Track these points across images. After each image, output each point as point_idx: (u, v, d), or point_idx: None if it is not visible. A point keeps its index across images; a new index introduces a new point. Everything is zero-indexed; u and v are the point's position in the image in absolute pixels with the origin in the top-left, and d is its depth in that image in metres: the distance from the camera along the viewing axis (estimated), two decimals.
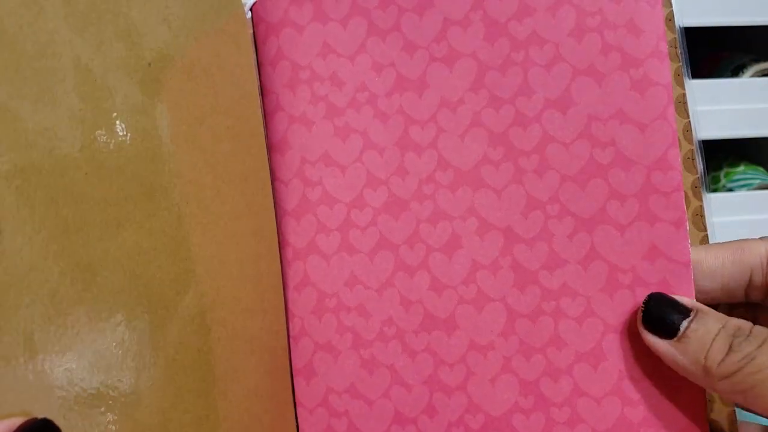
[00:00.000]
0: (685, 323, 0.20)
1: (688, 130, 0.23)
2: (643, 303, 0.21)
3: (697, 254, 0.22)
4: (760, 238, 0.22)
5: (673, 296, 0.21)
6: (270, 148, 0.25)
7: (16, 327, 0.17)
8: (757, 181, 0.45)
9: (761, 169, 0.47)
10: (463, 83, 0.24)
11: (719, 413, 0.23)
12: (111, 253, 0.19)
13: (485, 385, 0.23)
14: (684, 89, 0.23)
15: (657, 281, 0.22)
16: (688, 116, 0.23)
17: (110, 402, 0.19)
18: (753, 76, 0.52)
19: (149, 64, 0.21)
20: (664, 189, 0.22)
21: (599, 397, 0.22)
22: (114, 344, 0.19)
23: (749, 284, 0.22)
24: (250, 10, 0.27)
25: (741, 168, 0.47)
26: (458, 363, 0.23)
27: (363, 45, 0.25)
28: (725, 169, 0.47)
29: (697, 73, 0.57)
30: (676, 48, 0.23)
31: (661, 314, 0.21)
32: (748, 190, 0.45)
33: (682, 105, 0.23)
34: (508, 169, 0.23)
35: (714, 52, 0.56)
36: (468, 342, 0.23)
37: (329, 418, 0.24)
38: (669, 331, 0.21)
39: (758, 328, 0.20)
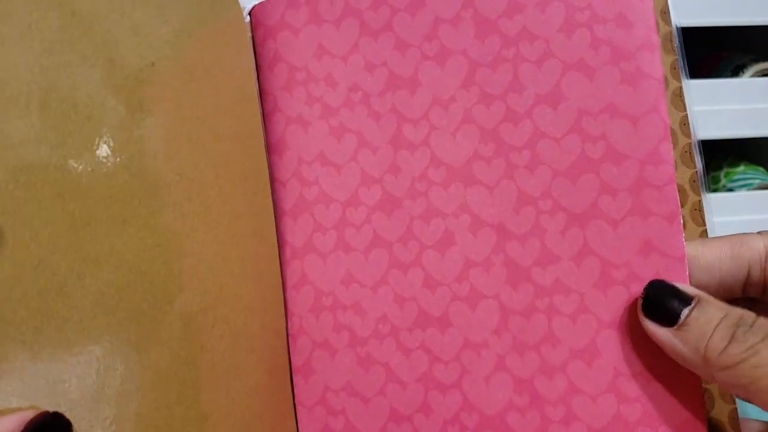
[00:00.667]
0: (686, 311, 0.20)
1: (685, 123, 0.23)
2: (644, 290, 0.21)
3: (695, 249, 0.22)
4: (759, 233, 0.22)
5: (674, 284, 0.21)
6: (269, 148, 0.26)
7: (24, 320, 0.17)
8: (757, 181, 0.45)
9: (761, 169, 0.47)
10: (455, 81, 0.24)
11: (720, 411, 0.23)
12: (117, 249, 0.19)
13: (480, 383, 0.23)
14: (680, 82, 0.23)
15: (651, 276, 0.21)
16: (685, 109, 0.23)
17: (115, 396, 0.19)
18: (753, 76, 0.51)
19: (152, 64, 0.21)
20: (657, 183, 0.22)
21: (594, 394, 0.22)
22: (119, 338, 0.19)
23: (747, 280, 0.22)
24: (249, 14, 0.27)
25: (741, 168, 0.46)
26: (453, 361, 0.23)
27: (356, 45, 0.25)
28: (725, 169, 0.47)
29: (697, 73, 0.57)
30: (671, 41, 0.23)
31: (661, 301, 0.20)
32: (748, 190, 0.45)
33: (678, 98, 0.23)
34: (500, 166, 0.23)
35: (714, 52, 0.56)
36: (462, 340, 0.23)
37: (327, 417, 0.24)
38: (669, 319, 0.20)
39: (762, 320, 0.19)
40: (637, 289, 0.22)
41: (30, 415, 0.17)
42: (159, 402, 0.20)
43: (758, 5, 0.49)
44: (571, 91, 0.22)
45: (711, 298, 0.20)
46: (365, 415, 0.24)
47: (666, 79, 0.23)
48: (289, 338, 0.25)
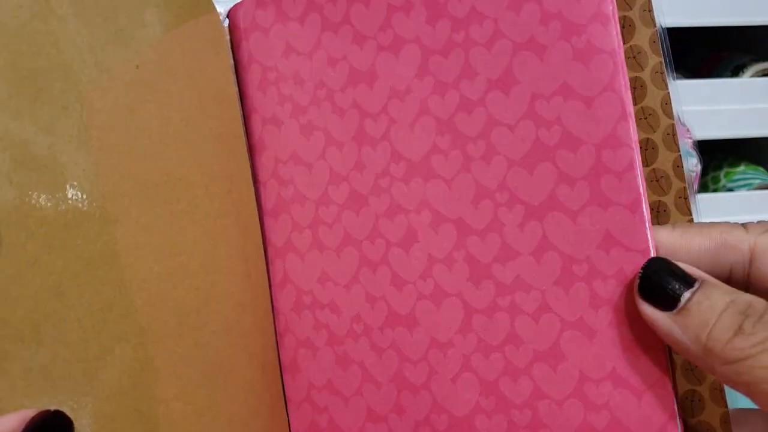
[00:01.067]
0: (687, 294, 0.18)
1: (667, 102, 0.21)
2: (641, 268, 0.19)
3: (673, 242, 0.20)
4: (745, 227, 0.20)
5: (676, 263, 0.19)
6: (249, 149, 0.26)
7: (22, 318, 0.18)
8: (757, 181, 0.43)
9: (761, 169, 0.45)
10: (409, 71, 0.23)
11: (711, 414, 0.21)
12: (110, 248, 0.20)
13: (447, 384, 0.22)
14: (661, 57, 0.21)
15: (614, 272, 0.20)
16: (666, 87, 0.21)
17: (113, 392, 0.19)
18: (753, 76, 0.50)
19: (137, 67, 0.22)
20: (616, 169, 0.20)
21: (560, 400, 0.21)
22: (115, 336, 0.20)
23: (729, 280, 0.20)
24: (227, 17, 0.27)
25: (741, 168, 0.45)
26: (421, 361, 0.23)
27: (318, 41, 0.24)
28: (725, 169, 0.46)
29: (698, 73, 0.56)
30: (650, 12, 0.21)
31: (659, 281, 0.18)
32: (748, 190, 0.43)
33: (659, 75, 0.21)
34: (457, 158, 0.22)
35: (714, 52, 0.55)
36: (429, 339, 0.23)
37: (313, 413, 0.24)
38: (668, 302, 0.18)
39: None
40: (600, 287, 0.20)
41: (31, 413, 0.17)
42: (157, 398, 0.20)
43: (758, 5, 0.49)
44: (523, 74, 0.21)
45: (716, 282, 0.18)
46: (346, 413, 0.24)
47: (645, 55, 0.21)
48: (277, 336, 0.25)
